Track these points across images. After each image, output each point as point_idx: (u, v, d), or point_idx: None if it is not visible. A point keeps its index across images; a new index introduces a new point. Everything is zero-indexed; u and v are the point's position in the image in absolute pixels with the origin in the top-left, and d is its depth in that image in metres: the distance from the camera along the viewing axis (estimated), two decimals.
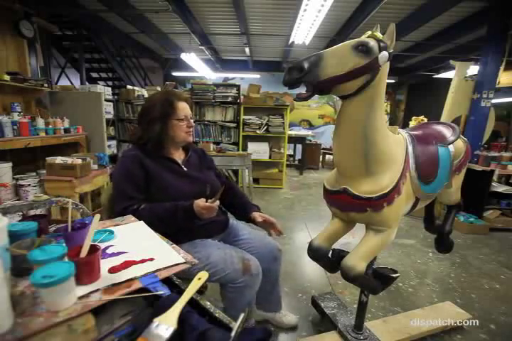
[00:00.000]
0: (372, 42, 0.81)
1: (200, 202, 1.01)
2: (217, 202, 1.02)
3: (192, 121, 1.21)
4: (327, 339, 1.33)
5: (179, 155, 1.25)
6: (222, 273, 1.04)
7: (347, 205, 0.99)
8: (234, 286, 1.06)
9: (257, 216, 1.22)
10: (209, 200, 1.02)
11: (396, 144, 0.99)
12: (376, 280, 1.04)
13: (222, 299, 1.15)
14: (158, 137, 1.14)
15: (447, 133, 1.19)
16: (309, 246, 1.10)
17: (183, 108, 1.17)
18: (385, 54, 0.82)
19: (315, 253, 1.08)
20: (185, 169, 1.20)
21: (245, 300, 1.09)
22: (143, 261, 0.70)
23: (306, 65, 0.75)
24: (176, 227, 1.05)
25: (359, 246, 0.99)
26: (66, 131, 2.73)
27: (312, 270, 2.05)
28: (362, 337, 1.26)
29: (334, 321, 1.37)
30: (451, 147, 1.18)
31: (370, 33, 0.85)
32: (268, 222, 1.21)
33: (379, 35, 0.84)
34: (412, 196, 1.02)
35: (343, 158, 0.95)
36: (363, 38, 0.85)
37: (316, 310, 1.55)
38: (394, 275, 1.02)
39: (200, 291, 1.60)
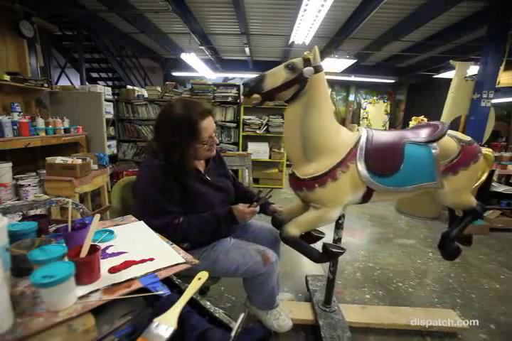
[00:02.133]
0: (298, 61, 1.06)
1: (245, 209, 1.08)
2: (258, 207, 1.12)
3: (216, 137, 1.12)
4: (300, 306, 1.58)
5: (200, 164, 1.22)
6: (244, 267, 1.11)
7: (294, 185, 1.22)
8: (259, 278, 1.15)
9: (277, 208, 1.32)
10: (253, 204, 1.11)
11: (341, 139, 1.15)
12: (324, 253, 1.20)
13: (247, 290, 1.24)
14: (179, 161, 1.04)
15: (424, 133, 1.23)
16: (272, 217, 1.34)
17: (207, 127, 1.05)
18: (309, 68, 1.05)
19: (274, 220, 1.32)
20: (208, 178, 1.18)
21: (270, 287, 1.21)
22: (143, 261, 0.70)
23: (252, 83, 1.07)
24: (217, 235, 1.16)
25: (299, 217, 1.19)
26: (66, 131, 2.73)
27: (312, 270, 2.05)
28: (328, 310, 1.47)
29: (312, 295, 1.61)
30: (433, 146, 1.18)
31: (305, 53, 1.09)
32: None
33: (306, 54, 1.08)
34: (360, 185, 1.14)
35: (289, 149, 1.19)
36: (295, 59, 1.08)
37: (307, 287, 1.75)
38: (334, 250, 1.17)
39: (203, 292, 1.62)
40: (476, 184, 1.40)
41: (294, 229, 1.16)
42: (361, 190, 1.16)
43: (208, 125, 1.06)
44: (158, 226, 0.96)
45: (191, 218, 1.05)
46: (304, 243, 1.21)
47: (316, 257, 1.20)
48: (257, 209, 1.10)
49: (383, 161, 1.14)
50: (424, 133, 1.24)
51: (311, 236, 1.31)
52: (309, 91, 1.08)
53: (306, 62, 1.07)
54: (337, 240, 1.40)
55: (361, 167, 1.11)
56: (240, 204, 1.10)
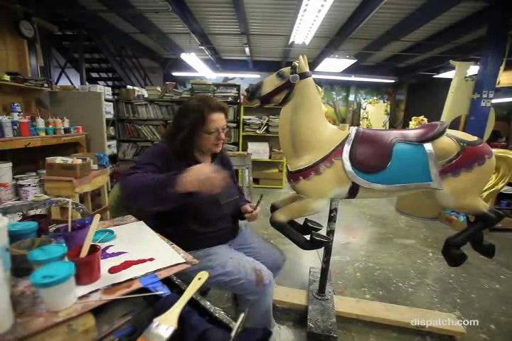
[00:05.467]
0: (286, 70, 1.23)
1: (205, 167, 0.84)
2: (258, 209, 1.23)
3: (223, 133, 1.14)
4: (295, 292, 1.68)
5: (206, 160, 1.22)
6: (236, 282, 1.07)
7: (287, 177, 1.36)
8: (249, 298, 1.09)
9: (248, 208, 1.24)
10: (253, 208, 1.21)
11: (328, 137, 1.26)
12: (310, 241, 1.30)
13: (241, 307, 1.18)
14: (181, 144, 1.08)
15: (419, 132, 1.25)
16: (271, 205, 1.47)
17: (215, 120, 1.09)
18: (294, 75, 1.21)
19: (272, 207, 1.46)
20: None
21: (264, 307, 1.14)
22: (143, 261, 0.70)
23: (252, 90, 1.28)
24: (158, 200, 0.86)
25: (287, 205, 1.33)
26: (66, 131, 2.73)
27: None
28: (320, 298, 1.57)
29: (310, 284, 1.72)
30: (427, 145, 1.18)
31: (294, 63, 1.23)
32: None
33: (294, 64, 1.23)
34: (345, 180, 1.22)
35: (282, 145, 1.33)
36: (285, 68, 1.24)
37: (309, 279, 1.83)
38: (317, 239, 1.26)
39: (203, 292, 1.63)
40: (492, 189, 1.36)
41: (280, 216, 1.30)
42: (347, 185, 1.23)
43: (217, 118, 1.10)
44: (122, 174, 0.97)
45: (138, 176, 0.92)
46: (291, 229, 1.33)
47: (302, 243, 1.30)
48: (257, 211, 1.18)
49: (368, 159, 1.19)
50: (418, 133, 1.25)
51: (307, 226, 1.40)
52: (297, 95, 1.23)
53: (293, 70, 1.23)
54: (329, 232, 1.46)
55: (346, 163, 1.19)
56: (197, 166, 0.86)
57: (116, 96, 4.08)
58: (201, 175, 0.82)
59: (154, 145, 1.20)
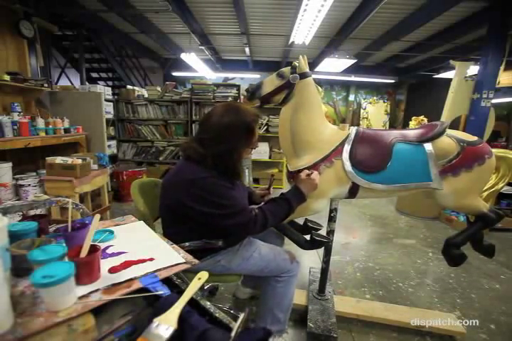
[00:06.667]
0: (286, 70, 1.24)
1: (310, 176, 1.12)
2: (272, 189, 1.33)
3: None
4: (295, 292, 1.63)
5: None
6: (273, 263, 1.16)
7: (287, 177, 1.40)
8: (285, 276, 1.18)
9: (262, 192, 1.34)
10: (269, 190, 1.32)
11: (327, 137, 1.26)
12: (310, 241, 1.30)
13: (267, 298, 1.22)
14: (234, 165, 1.03)
15: (419, 132, 1.25)
16: None
17: (257, 131, 1.07)
18: (295, 75, 1.22)
19: None
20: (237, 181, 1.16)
21: (290, 293, 1.23)
22: (143, 261, 0.70)
23: (252, 90, 1.28)
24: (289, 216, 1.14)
25: None
26: (66, 131, 2.73)
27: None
28: (320, 298, 1.57)
29: (310, 284, 1.72)
30: (427, 146, 1.19)
31: (294, 63, 1.25)
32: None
33: (294, 64, 1.24)
34: (345, 180, 1.23)
35: (282, 145, 1.34)
36: (285, 68, 1.25)
37: (309, 279, 1.83)
38: (317, 239, 1.27)
39: (212, 293, 1.65)
40: (492, 189, 1.36)
41: None
42: (347, 185, 1.24)
43: (257, 129, 1.09)
44: (240, 222, 0.98)
45: (263, 207, 1.07)
46: (291, 229, 1.34)
47: (302, 243, 1.31)
48: (315, 174, 1.18)
49: (368, 159, 1.20)
50: (418, 133, 1.25)
51: (307, 226, 1.40)
52: (297, 95, 1.23)
53: (293, 70, 1.23)
54: (329, 232, 1.46)
55: (346, 163, 1.20)
56: (300, 174, 1.15)
57: (116, 96, 4.07)
58: (314, 179, 1.12)
59: (208, 177, 0.97)
